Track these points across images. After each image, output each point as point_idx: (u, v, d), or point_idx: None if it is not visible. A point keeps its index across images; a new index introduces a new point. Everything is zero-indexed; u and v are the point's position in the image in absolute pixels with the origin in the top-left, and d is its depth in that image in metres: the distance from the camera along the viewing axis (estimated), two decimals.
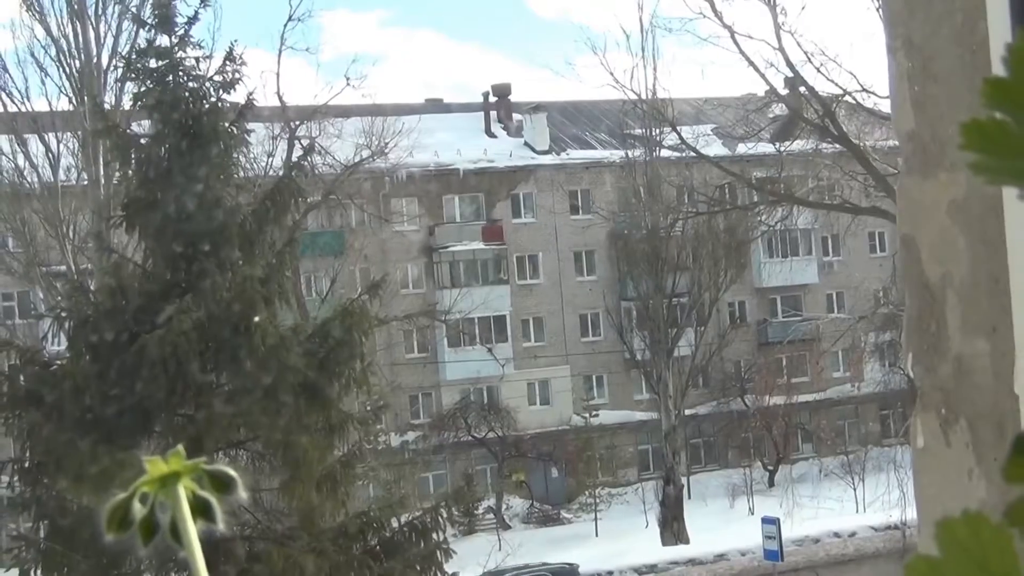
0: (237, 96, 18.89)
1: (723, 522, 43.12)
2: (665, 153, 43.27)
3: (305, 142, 35.96)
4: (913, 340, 2.17)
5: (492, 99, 55.74)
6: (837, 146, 31.89)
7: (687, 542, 41.22)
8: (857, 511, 43.47)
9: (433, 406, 49.17)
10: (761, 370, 51.54)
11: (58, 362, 18.52)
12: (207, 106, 18.28)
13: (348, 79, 40.37)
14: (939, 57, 2.02)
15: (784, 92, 33.49)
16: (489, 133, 54.61)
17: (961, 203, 2.01)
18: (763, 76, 31.76)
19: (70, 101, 33.16)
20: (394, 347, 45.62)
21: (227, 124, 18.41)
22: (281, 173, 21.71)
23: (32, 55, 35.49)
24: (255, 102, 19.53)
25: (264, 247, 18.48)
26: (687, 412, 46.44)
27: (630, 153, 45.89)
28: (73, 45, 32.40)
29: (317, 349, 17.74)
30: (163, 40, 18.68)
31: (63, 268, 33.17)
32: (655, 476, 46.57)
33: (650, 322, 44.74)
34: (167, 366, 16.52)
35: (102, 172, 30.68)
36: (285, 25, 41.08)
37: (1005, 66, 0.69)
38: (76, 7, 32.15)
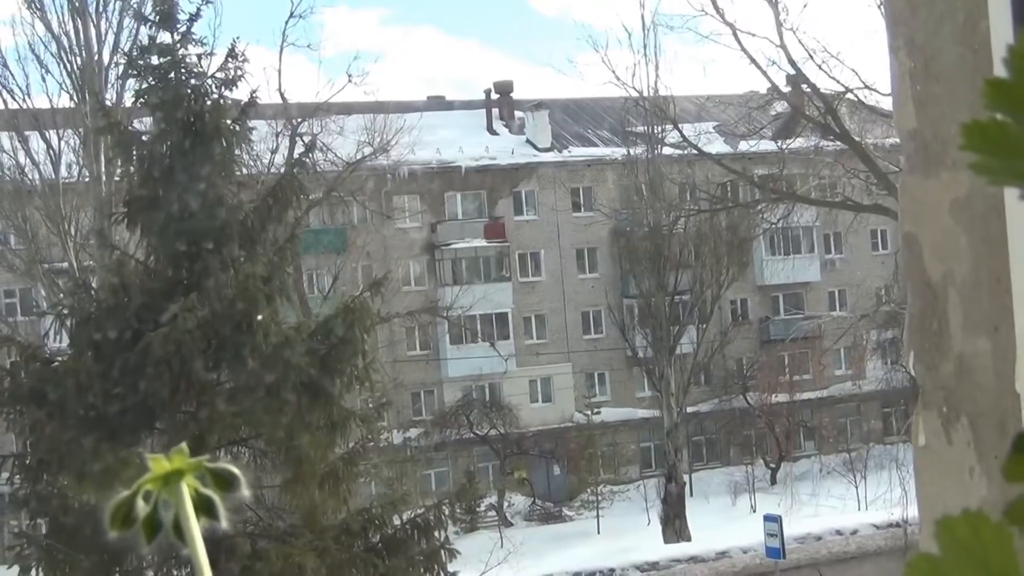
0: (239, 93, 18.90)
1: (725, 520, 43.13)
2: (667, 150, 43.24)
3: (307, 139, 35.99)
4: (915, 339, 2.17)
5: (494, 96, 55.73)
6: (839, 144, 31.90)
7: (689, 540, 41.22)
8: (859, 509, 43.48)
9: (435, 403, 49.18)
10: (763, 368, 51.54)
11: (59, 359, 18.52)
12: (209, 103, 18.27)
13: (350, 76, 40.36)
14: (941, 56, 2.02)
15: (786, 89, 33.50)
16: (491, 130, 54.60)
17: (963, 202, 2.01)
18: (765, 73, 31.82)
19: (71, 98, 33.17)
20: (396, 344, 45.63)
21: (229, 121, 18.40)
22: (283, 170, 21.68)
23: (33, 52, 35.42)
24: (257, 99, 19.53)
25: (266, 244, 18.47)
26: (689, 410, 46.45)
27: (632, 150, 45.91)
28: (74, 42, 32.40)
29: (319, 346, 17.74)
30: (165, 37, 18.68)
31: (65, 265, 33.17)
32: (657, 473, 46.58)
33: (652, 319, 44.72)
34: (170, 364, 16.52)
35: (103, 169, 30.69)
36: (287, 22, 41.12)
37: (1006, 67, 0.69)
38: (77, 4, 32.14)
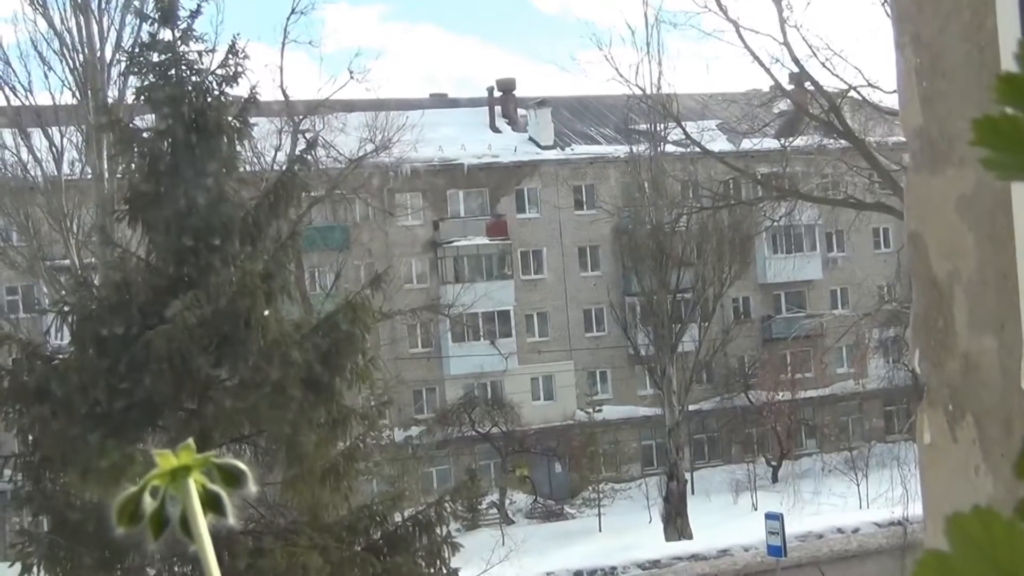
0: (240, 90, 18.91)
1: (726, 518, 43.13)
2: (670, 148, 43.25)
3: (309, 136, 35.99)
4: (920, 336, 2.17)
5: (497, 94, 55.73)
6: (842, 142, 31.86)
7: (690, 537, 41.23)
8: (860, 507, 43.49)
9: (437, 401, 49.20)
10: (765, 366, 51.55)
11: (61, 356, 18.53)
12: (210, 100, 18.28)
13: (352, 73, 40.32)
14: (947, 53, 2.02)
15: (789, 87, 33.44)
16: (494, 128, 54.60)
17: (969, 199, 2.00)
18: (768, 71, 31.79)
19: (74, 95, 33.19)
20: (398, 342, 45.66)
21: (230, 118, 18.41)
22: (285, 167, 21.68)
23: (35, 48, 35.49)
24: (258, 95, 19.54)
25: (268, 241, 18.48)
26: (691, 408, 46.46)
27: (635, 148, 45.91)
28: (76, 38, 32.42)
29: (320, 343, 17.74)
30: (166, 34, 18.69)
31: (67, 262, 33.20)
32: (658, 471, 46.59)
33: (654, 317, 44.73)
34: (172, 361, 16.53)
35: (106, 166, 30.70)
36: (288, 18, 40.95)
37: (1017, 62, 0.69)
38: (79, 0, 32.16)
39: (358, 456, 18.90)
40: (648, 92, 41.28)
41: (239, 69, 18.60)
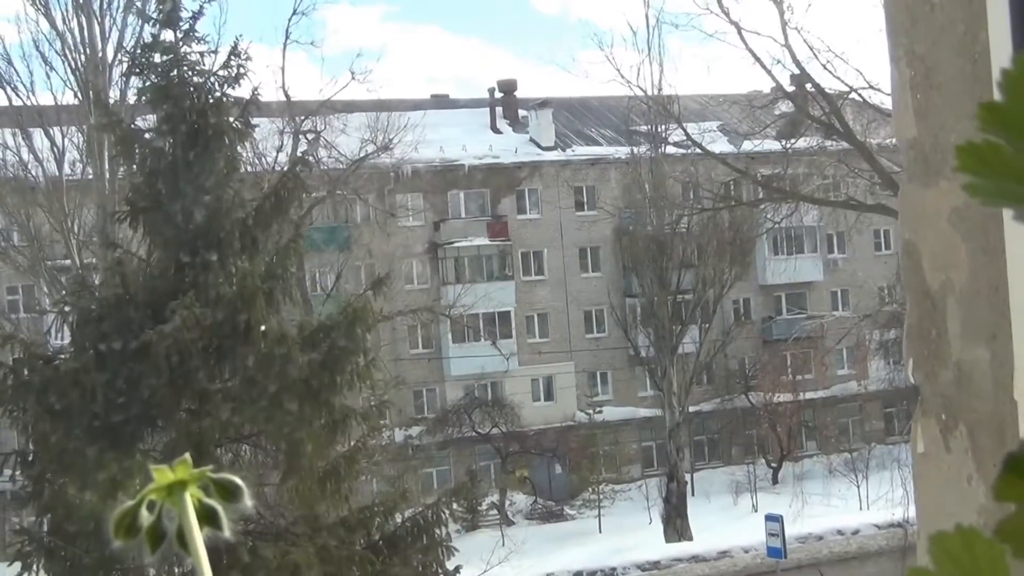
0: (242, 91, 18.92)
1: (726, 519, 43.13)
2: (670, 150, 43.22)
3: (311, 137, 36.02)
4: (914, 346, 2.18)
5: (498, 95, 55.74)
6: (843, 143, 31.87)
7: (690, 539, 41.23)
8: (860, 509, 43.49)
9: (437, 401, 49.19)
10: (765, 367, 51.55)
11: (61, 356, 18.54)
12: (212, 101, 18.29)
13: (353, 74, 40.35)
14: (941, 66, 2.04)
15: (790, 89, 33.45)
16: (495, 129, 54.60)
17: (962, 211, 2.02)
18: (769, 73, 31.81)
19: (75, 95, 33.22)
20: (398, 342, 45.67)
21: (232, 119, 18.41)
22: (286, 168, 21.69)
23: (37, 48, 35.56)
24: (260, 96, 19.55)
25: (268, 243, 18.49)
26: (691, 409, 46.45)
27: (635, 149, 45.91)
28: (78, 39, 32.46)
29: (322, 346, 17.75)
30: (168, 35, 18.70)
31: (67, 263, 33.22)
32: (659, 473, 46.58)
33: (654, 319, 44.73)
34: (171, 361, 16.54)
35: (106, 167, 30.74)
36: (290, 19, 41.03)
37: (1000, 91, 0.71)
38: (81, 1, 32.19)
39: (358, 458, 18.91)
40: (649, 93, 41.30)
41: (241, 70, 18.62)
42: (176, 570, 17.73)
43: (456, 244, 49.90)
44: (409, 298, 42.15)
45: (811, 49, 32.80)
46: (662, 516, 42.62)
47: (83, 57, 32.34)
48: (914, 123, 2.12)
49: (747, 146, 39.97)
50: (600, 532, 43.47)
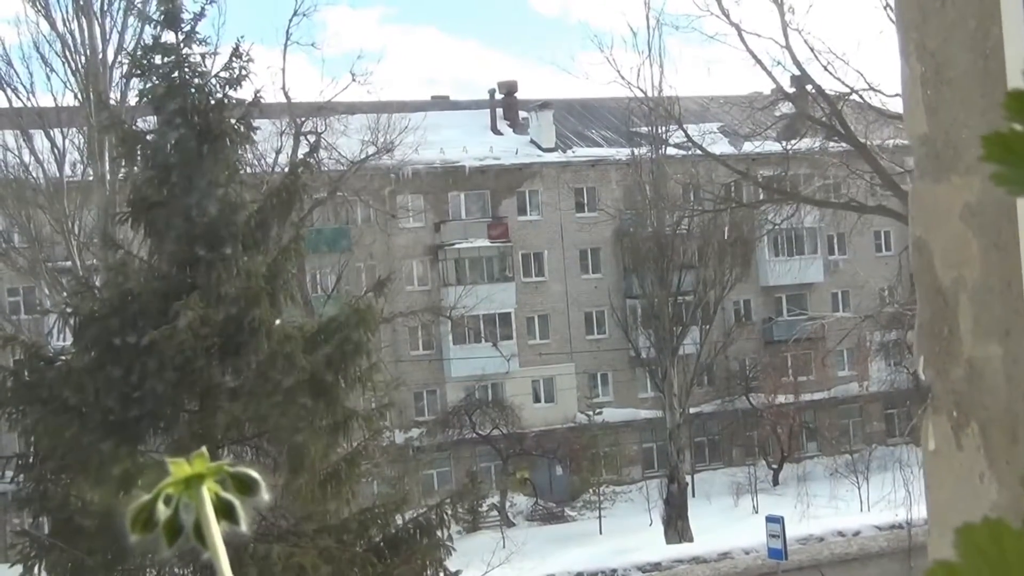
0: (244, 92, 18.90)
1: (727, 520, 43.12)
2: (671, 151, 43.22)
3: (311, 138, 35.98)
4: (925, 343, 2.17)
5: (498, 96, 55.74)
6: (844, 145, 31.86)
7: (691, 540, 41.21)
8: (861, 510, 43.48)
9: (438, 403, 49.18)
10: (766, 369, 51.55)
11: (63, 358, 18.53)
12: (213, 102, 18.28)
13: (353, 75, 40.33)
14: (952, 62, 2.03)
15: (791, 90, 33.44)
16: (495, 130, 54.60)
17: (974, 207, 2.01)
18: (770, 74, 31.81)
19: (75, 97, 33.20)
20: (399, 344, 45.65)
21: (233, 120, 18.40)
22: (287, 170, 21.68)
23: (37, 50, 35.49)
24: (262, 98, 19.54)
25: (270, 244, 18.48)
26: (692, 410, 46.44)
27: (636, 151, 45.90)
28: (78, 40, 32.43)
29: (323, 346, 17.75)
30: (169, 36, 18.68)
31: (68, 264, 33.20)
32: (659, 474, 46.56)
33: (655, 320, 44.73)
34: (174, 363, 16.53)
35: (107, 168, 30.72)
36: (291, 20, 40.94)
37: None
38: (81, 2, 32.17)
39: (359, 459, 18.90)
40: (650, 95, 41.30)
41: (243, 72, 18.60)
42: (177, 571, 17.74)
43: (457, 245, 49.89)
44: (410, 299, 42.17)
45: (812, 50, 32.80)
46: (663, 517, 42.60)
47: (83, 59, 32.33)
48: (925, 119, 2.11)
49: (748, 147, 39.95)
50: (601, 533, 43.46)
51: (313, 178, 23.50)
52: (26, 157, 35.80)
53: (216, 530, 0.97)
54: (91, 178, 32.50)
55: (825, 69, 31.13)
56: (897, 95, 28.95)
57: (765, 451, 51.23)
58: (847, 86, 30.21)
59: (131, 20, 31.75)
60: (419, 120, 44.73)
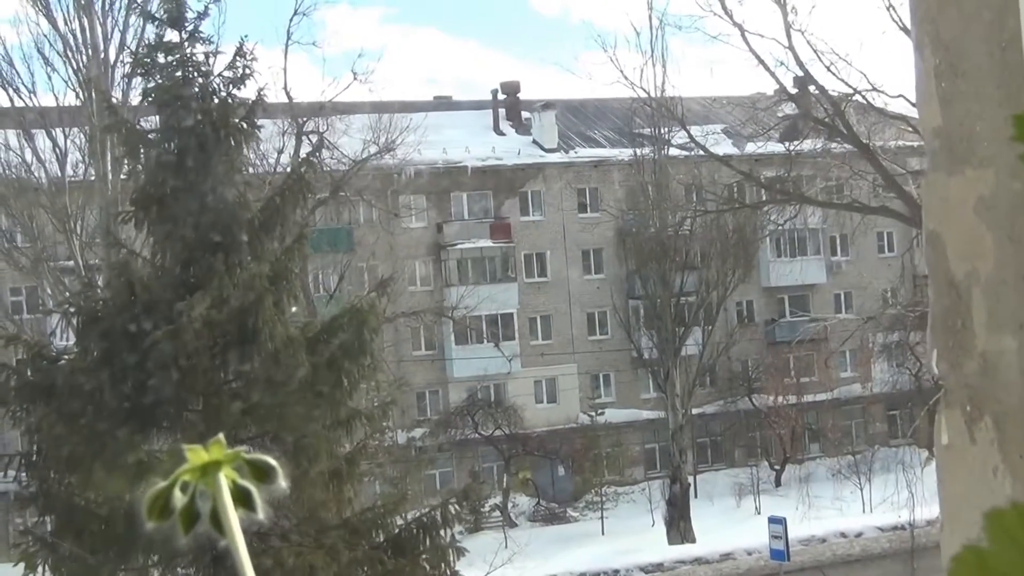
0: (247, 92, 18.87)
1: (729, 521, 43.09)
2: (674, 151, 43.17)
3: (313, 138, 35.98)
4: (938, 337, 2.16)
5: (501, 97, 55.72)
6: (847, 145, 31.84)
7: (693, 541, 41.19)
8: (864, 511, 43.45)
9: (440, 403, 49.17)
10: (768, 370, 51.52)
11: (66, 357, 18.52)
12: (216, 102, 18.26)
13: (355, 74, 40.30)
14: (968, 54, 2.02)
15: (794, 91, 33.42)
16: (498, 131, 54.58)
17: (988, 200, 2.00)
18: (773, 75, 31.74)
19: (77, 96, 33.19)
20: (401, 344, 45.63)
21: (237, 120, 18.38)
22: (289, 169, 21.67)
23: (39, 50, 35.42)
24: (265, 98, 19.51)
25: (273, 244, 18.46)
26: (694, 411, 46.40)
27: (639, 151, 45.86)
28: (80, 40, 32.43)
29: (325, 346, 17.74)
30: (172, 35, 18.65)
31: (71, 264, 33.19)
32: (662, 475, 46.54)
33: (658, 321, 44.69)
34: (177, 363, 16.52)
35: (109, 167, 30.72)
36: (291, 19, 40.87)
37: None
38: (83, 2, 32.16)
39: (361, 459, 18.89)
40: (652, 95, 41.28)
41: (247, 71, 18.56)
42: (178, 571, 17.73)
43: (459, 246, 49.88)
44: (412, 300, 42.15)
45: (815, 51, 32.83)
46: (665, 518, 42.57)
47: (85, 58, 32.33)
48: (939, 111, 2.10)
49: (750, 148, 39.94)
50: (603, 534, 43.45)
51: (316, 178, 23.48)
52: (28, 157, 35.80)
53: (234, 517, 0.96)
54: (93, 177, 32.49)
55: (828, 70, 31.11)
56: (900, 96, 28.98)
57: (767, 452, 51.21)
58: (850, 87, 30.21)
59: (133, 19, 31.76)
60: (421, 120, 44.69)
